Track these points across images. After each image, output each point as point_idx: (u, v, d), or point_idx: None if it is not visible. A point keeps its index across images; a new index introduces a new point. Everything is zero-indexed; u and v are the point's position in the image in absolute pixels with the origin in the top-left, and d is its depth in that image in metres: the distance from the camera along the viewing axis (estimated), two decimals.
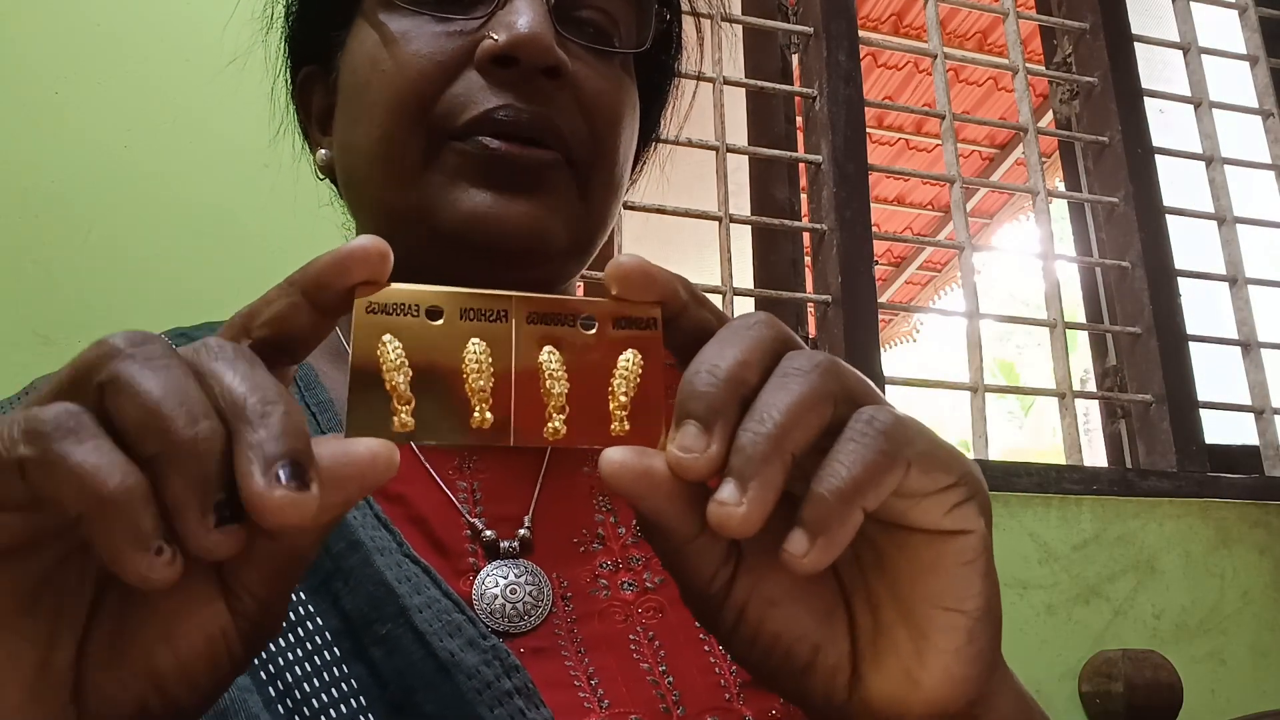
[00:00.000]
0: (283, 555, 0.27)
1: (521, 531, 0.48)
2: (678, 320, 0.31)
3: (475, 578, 0.46)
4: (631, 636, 0.46)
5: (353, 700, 0.40)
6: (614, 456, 0.28)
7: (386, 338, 0.28)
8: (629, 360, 0.30)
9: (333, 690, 0.41)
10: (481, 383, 0.29)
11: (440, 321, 0.29)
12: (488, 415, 0.29)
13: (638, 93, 0.56)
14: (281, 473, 0.24)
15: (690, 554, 0.30)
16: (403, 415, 0.28)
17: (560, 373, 0.30)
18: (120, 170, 1.17)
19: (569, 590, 0.47)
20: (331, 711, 0.40)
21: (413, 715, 0.40)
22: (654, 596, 0.47)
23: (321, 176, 0.59)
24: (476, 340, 0.29)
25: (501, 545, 0.47)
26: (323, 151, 0.57)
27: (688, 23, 0.63)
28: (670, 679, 0.44)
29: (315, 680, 0.41)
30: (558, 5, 0.50)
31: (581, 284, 0.63)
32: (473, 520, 0.48)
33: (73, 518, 0.24)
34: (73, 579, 0.27)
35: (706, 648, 0.46)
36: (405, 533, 0.46)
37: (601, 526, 0.50)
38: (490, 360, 0.29)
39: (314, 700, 0.40)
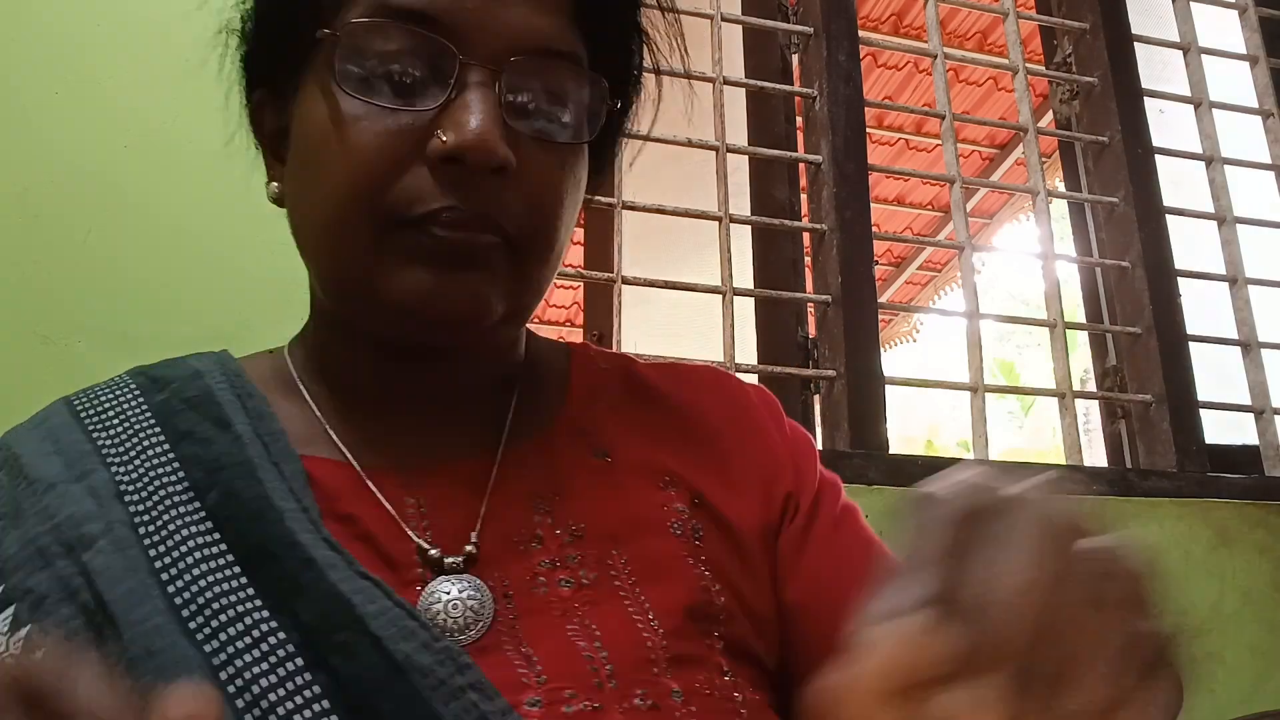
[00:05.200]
0: None
1: (468, 548, 0.51)
2: None
3: (422, 590, 0.49)
4: (569, 626, 0.49)
5: (316, 705, 0.44)
6: None
7: None
8: None
9: (297, 697, 0.44)
10: None
11: None
12: None
13: (588, 154, 0.57)
14: None
15: None
16: None
17: None
18: (120, 171, 1.17)
19: (510, 589, 0.50)
20: (296, 717, 0.43)
21: (372, 717, 0.43)
22: (589, 591, 0.51)
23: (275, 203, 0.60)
24: None
25: (446, 562, 0.50)
26: (274, 185, 0.59)
27: (683, 24, 0.63)
28: (605, 653, 0.48)
29: (281, 689, 0.44)
30: (507, 94, 0.51)
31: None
32: (419, 540, 0.51)
33: None
34: None
35: (640, 626, 0.50)
36: (354, 550, 0.48)
37: (540, 527, 0.53)
38: None
39: (279, 708, 0.43)
